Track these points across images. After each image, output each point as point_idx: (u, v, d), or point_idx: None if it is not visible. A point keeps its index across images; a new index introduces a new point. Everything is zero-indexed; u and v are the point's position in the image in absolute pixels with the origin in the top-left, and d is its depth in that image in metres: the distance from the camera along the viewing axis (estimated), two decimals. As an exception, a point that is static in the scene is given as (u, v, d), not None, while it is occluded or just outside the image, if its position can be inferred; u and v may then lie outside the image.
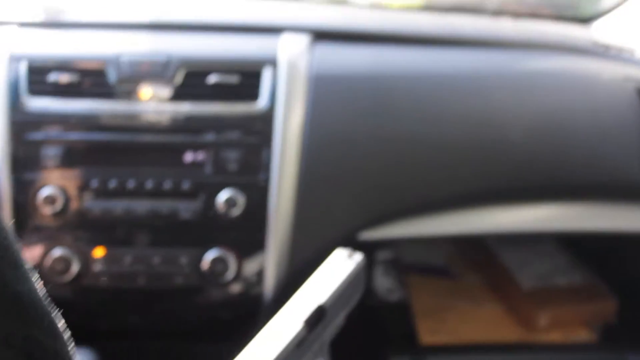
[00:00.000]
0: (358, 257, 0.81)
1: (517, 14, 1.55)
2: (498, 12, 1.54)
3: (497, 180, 1.30)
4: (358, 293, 0.82)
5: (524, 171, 1.31)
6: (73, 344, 0.42)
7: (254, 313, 1.19)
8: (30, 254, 1.15)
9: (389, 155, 1.25)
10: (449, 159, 1.27)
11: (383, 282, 1.70)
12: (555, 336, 1.54)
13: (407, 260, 1.76)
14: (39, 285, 0.41)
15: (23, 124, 1.16)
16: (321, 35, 1.30)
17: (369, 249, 1.41)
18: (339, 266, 0.79)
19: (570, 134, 1.33)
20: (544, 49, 1.40)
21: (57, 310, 0.42)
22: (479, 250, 1.76)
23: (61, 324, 0.42)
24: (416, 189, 1.28)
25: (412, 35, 1.36)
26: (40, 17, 1.27)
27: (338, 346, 0.84)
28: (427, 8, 1.65)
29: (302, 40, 1.27)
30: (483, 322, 1.56)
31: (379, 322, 1.63)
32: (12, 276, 0.37)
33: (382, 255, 1.73)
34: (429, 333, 1.50)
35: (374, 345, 1.56)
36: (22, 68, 1.18)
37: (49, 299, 0.42)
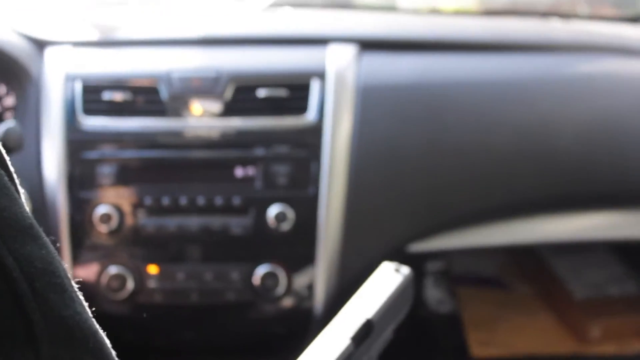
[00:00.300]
0: (405, 270, 0.81)
1: (571, 15, 1.53)
2: (554, 13, 1.52)
3: (548, 188, 1.29)
4: (406, 307, 0.82)
5: (576, 179, 1.30)
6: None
7: (305, 327, 1.20)
8: (87, 272, 1.18)
9: (439, 165, 1.25)
10: (499, 168, 1.27)
11: (433, 293, 1.70)
12: (608, 348, 1.52)
13: (458, 271, 1.76)
14: (84, 307, 0.41)
15: (79, 143, 1.18)
16: (368, 45, 1.30)
17: (419, 260, 1.41)
18: (387, 280, 0.79)
19: (624, 139, 1.31)
20: (595, 51, 1.38)
21: (103, 330, 0.43)
22: (531, 260, 1.74)
23: (107, 343, 0.42)
24: (466, 199, 1.27)
25: (460, 41, 1.35)
26: (93, 37, 1.30)
27: (387, 358, 0.84)
28: (482, 11, 1.64)
29: (349, 51, 1.27)
30: (534, 334, 1.54)
31: (429, 334, 1.62)
32: (57, 301, 0.38)
33: (433, 266, 1.73)
34: (479, 345, 1.50)
35: (424, 357, 1.56)
36: (78, 87, 1.21)
37: (99, 317, 0.43)
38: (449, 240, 1.30)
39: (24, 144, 1.16)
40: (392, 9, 1.72)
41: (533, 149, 1.27)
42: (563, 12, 1.55)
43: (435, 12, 1.64)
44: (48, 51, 1.26)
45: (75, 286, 0.42)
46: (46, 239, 0.40)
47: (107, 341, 0.42)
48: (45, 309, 0.37)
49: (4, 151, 0.42)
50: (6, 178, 0.40)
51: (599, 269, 1.67)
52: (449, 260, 1.76)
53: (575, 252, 1.71)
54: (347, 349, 0.69)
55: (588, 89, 1.32)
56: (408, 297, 0.82)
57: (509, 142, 1.26)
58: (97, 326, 0.42)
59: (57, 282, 0.39)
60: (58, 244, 0.42)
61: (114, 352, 0.43)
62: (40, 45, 1.27)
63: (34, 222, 0.40)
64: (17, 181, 0.42)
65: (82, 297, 0.42)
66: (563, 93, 1.31)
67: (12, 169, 0.42)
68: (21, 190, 0.41)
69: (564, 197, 1.31)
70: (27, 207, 0.40)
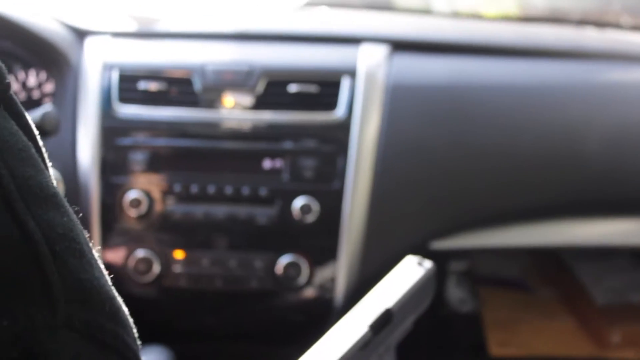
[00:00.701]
0: (428, 264, 0.83)
1: (613, 25, 1.53)
2: (594, 22, 1.52)
3: (572, 192, 1.30)
4: (427, 299, 0.84)
5: (601, 184, 1.30)
6: (135, 329, 0.45)
7: (325, 317, 1.22)
8: (116, 254, 1.21)
9: (463, 165, 1.27)
10: (523, 170, 1.28)
11: (456, 293, 1.71)
12: (628, 354, 1.52)
13: (482, 272, 1.77)
14: (103, 274, 0.43)
15: (113, 130, 1.22)
16: (400, 46, 1.32)
17: (441, 259, 1.42)
18: (409, 272, 0.81)
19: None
20: (627, 59, 1.38)
21: (129, 311, 0.45)
22: (554, 264, 1.75)
23: (124, 310, 0.44)
24: (490, 199, 1.29)
25: (490, 45, 1.36)
26: (131, 28, 1.34)
27: (408, 354, 0.86)
28: (523, 17, 1.65)
29: (380, 51, 1.29)
30: (554, 336, 1.55)
31: (449, 332, 1.64)
32: (76, 265, 0.40)
33: (456, 266, 1.74)
34: (498, 345, 1.51)
35: (444, 354, 1.57)
36: (114, 76, 1.25)
37: (125, 298, 0.45)
38: (471, 239, 1.32)
39: (60, 128, 1.20)
40: (427, 11, 1.75)
41: (558, 153, 1.28)
42: (605, 21, 1.55)
43: (469, 16, 1.65)
44: (88, 40, 1.30)
45: (96, 255, 0.44)
46: (69, 208, 0.42)
47: (125, 309, 0.44)
48: (63, 271, 0.39)
49: (34, 126, 0.44)
50: (33, 150, 0.42)
51: (621, 275, 1.67)
52: (473, 261, 1.77)
53: (598, 258, 1.71)
54: (365, 335, 0.71)
55: (616, 97, 1.33)
56: (429, 291, 0.84)
57: (535, 145, 1.27)
58: (115, 293, 0.44)
59: (76, 247, 0.41)
60: (81, 214, 0.44)
61: (131, 320, 0.45)
62: (80, 34, 1.31)
63: (58, 191, 0.42)
64: (45, 154, 0.44)
65: (102, 266, 0.44)
66: (591, 99, 1.31)
67: (40, 142, 0.44)
68: (55, 173, 0.44)
69: (588, 202, 1.32)
70: (60, 189, 0.43)
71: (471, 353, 1.55)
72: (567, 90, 1.31)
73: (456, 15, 1.66)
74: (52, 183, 0.42)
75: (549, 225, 1.34)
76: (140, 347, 0.45)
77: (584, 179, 1.30)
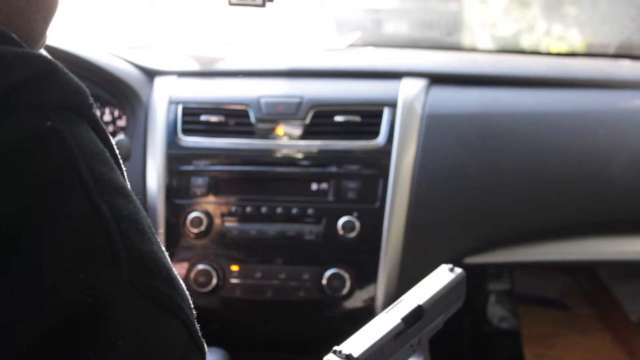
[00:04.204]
0: (458, 270, 0.93)
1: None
2: (625, 55, 1.60)
3: (600, 212, 1.38)
4: (458, 302, 0.93)
5: (628, 204, 1.37)
6: (189, 298, 0.53)
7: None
8: (179, 267, 1.35)
9: (496, 186, 1.36)
10: (550, 192, 1.36)
11: (496, 311, 1.78)
12: (661, 367, 1.56)
13: (523, 292, 1.83)
14: (162, 251, 0.52)
15: (177, 158, 1.37)
16: (437, 79, 1.43)
17: (478, 275, 1.50)
18: (441, 277, 0.92)
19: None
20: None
21: (176, 271, 0.53)
22: (593, 284, 1.80)
23: (180, 281, 0.53)
24: (519, 219, 1.37)
25: (520, 77, 1.46)
26: (195, 68, 1.49)
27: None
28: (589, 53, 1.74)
29: (419, 84, 1.40)
30: (589, 350, 1.59)
31: (490, 347, 1.70)
32: (137, 239, 0.49)
33: (497, 285, 1.81)
34: (534, 356, 1.57)
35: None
36: (179, 110, 1.40)
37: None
38: (503, 255, 1.39)
39: (131, 155, 1.35)
40: (472, 49, 1.85)
41: (586, 175, 1.36)
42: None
43: (504, 51, 1.75)
44: (157, 80, 1.46)
45: (158, 238, 0.54)
46: (135, 199, 0.53)
47: (182, 282, 0.54)
48: (127, 243, 0.49)
49: (110, 137, 0.56)
50: (108, 155, 0.53)
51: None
52: (513, 281, 1.83)
53: (635, 277, 1.75)
54: (397, 326, 0.81)
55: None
56: (460, 294, 0.93)
57: (563, 167, 1.36)
58: (172, 266, 0.53)
59: (138, 227, 0.51)
60: (146, 205, 0.56)
61: (187, 293, 0.54)
62: (150, 74, 1.47)
63: (127, 186, 0.53)
64: (119, 157, 0.56)
65: (163, 247, 0.54)
66: (618, 125, 1.40)
67: (115, 147, 0.56)
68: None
69: (615, 221, 1.39)
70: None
71: (509, 365, 1.61)
72: (595, 117, 1.40)
73: (493, 51, 1.76)
74: (122, 179, 0.53)
75: (579, 243, 1.40)
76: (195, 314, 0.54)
77: (610, 199, 1.37)
